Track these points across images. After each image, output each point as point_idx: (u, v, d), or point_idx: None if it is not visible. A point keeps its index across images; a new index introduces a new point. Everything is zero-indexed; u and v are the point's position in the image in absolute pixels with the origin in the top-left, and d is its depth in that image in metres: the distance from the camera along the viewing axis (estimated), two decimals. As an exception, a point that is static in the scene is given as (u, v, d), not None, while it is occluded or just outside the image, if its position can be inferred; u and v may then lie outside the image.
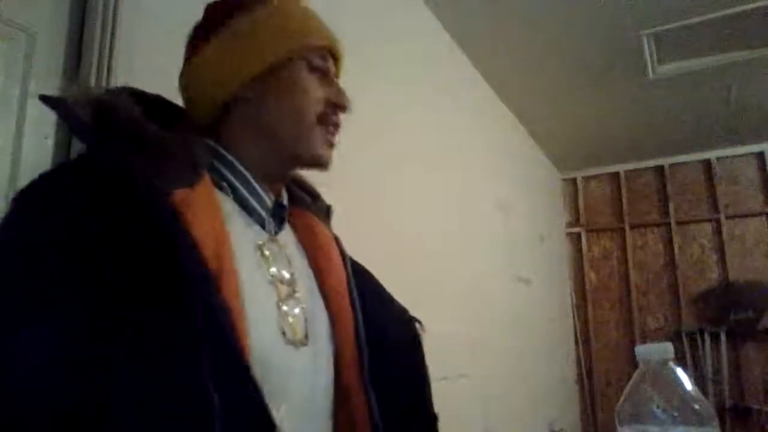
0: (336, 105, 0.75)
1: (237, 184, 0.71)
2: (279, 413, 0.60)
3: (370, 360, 0.72)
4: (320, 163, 0.75)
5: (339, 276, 0.78)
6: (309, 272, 0.77)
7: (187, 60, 0.74)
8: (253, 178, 0.72)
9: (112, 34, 1.07)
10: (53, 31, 1.04)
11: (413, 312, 0.86)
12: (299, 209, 0.81)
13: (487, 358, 2.57)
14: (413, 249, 2.05)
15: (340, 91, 0.76)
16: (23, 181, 0.61)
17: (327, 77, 0.75)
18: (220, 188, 0.70)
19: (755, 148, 4.06)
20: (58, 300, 0.51)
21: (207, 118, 0.73)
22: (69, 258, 0.52)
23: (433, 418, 0.80)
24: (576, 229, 4.53)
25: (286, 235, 0.76)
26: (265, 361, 0.61)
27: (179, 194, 0.58)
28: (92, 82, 1.05)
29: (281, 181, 0.77)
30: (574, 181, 4.60)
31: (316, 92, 0.73)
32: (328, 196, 0.89)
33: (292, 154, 0.73)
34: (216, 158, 0.71)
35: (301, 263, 0.76)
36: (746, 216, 4.03)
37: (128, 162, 0.57)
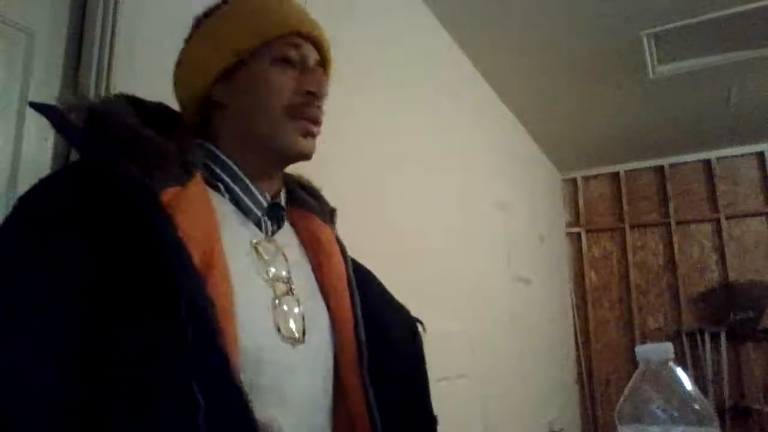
0: (308, 93, 0.72)
1: (232, 184, 0.71)
2: (273, 411, 0.61)
3: (370, 358, 0.72)
4: (300, 156, 0.73)
5: (339, 276, 0.78)
6: (309, 272, 0.77)
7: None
8: (247, 178, 0.72)
9: (112, 34, 1.07)
10: (53, 31, 1.04)
11: (413, 312, 0.86)
12: (302, 211, 0.82)
13: (487, 358, 2.57)
14: (413, 249, 2.05)
15: (312, 77, 0.72)
16: (23, 182, 0.62)
17: (299, 65, 0.73)
18: (216, 188, 0.70)
19: (755, 148, 4.06)
20: (49, 303, 0.52)
21: (195, 120, 0.74)
22: (60, 262, 0.53)
23: (432, 419, 0.80)
24: (576, 229, 4.53)
25: (286, 235, 0.76)
26: (259, 359, 0.61)
27: (169, 193, 0.59)
28: (92, 82, 1.05)
29: (275, 180, 0.76)
30: (574, 181, 4.60)
31: (283, 83, 0.71)
32: (327, 196, 0.89)
33: (268, 150, 0.72)
34: (210, 159, 0.72)
35: (300, 263, 0.76)
36: (746, 216, 4.03)
37: (118, 164, 0.58)
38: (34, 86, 0.99)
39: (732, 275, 3.96)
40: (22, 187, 0.62)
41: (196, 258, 0.56)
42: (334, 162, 1.64)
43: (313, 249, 0.79)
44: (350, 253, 0.84)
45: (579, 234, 4.52)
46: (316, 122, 0.73)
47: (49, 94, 0.99)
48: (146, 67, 1.08)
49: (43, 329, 0.51)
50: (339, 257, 0.80)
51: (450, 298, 2.31)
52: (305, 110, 0.72)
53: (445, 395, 1.95)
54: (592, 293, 4.38)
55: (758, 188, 4.05)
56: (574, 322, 4.32)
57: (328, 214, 0.86)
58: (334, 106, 1.76)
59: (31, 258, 0.54)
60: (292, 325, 0.67)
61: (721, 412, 3.68)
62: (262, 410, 0.59)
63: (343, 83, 1.75)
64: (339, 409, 0.71)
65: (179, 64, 0.75)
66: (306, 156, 0.74)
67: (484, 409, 2.47)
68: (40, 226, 0.56)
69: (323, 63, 0.77)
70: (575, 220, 4.56)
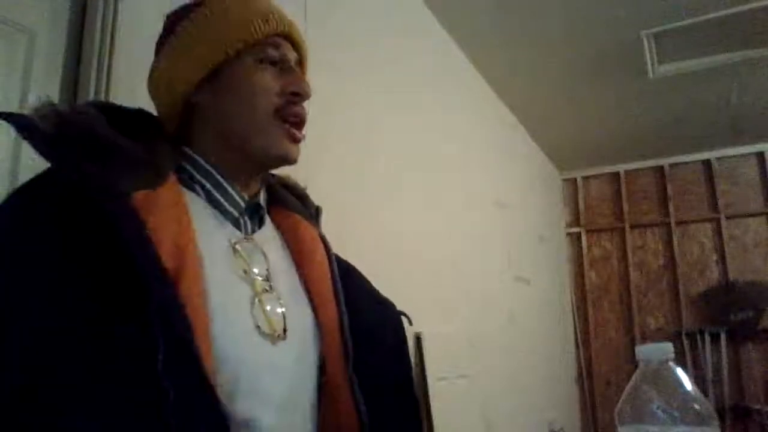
0: (293, 94, 0.72)
1: (208, 185, 0.71)
2: (253, 410, 0.61)
3: (355, 358, 0.72)
4: (284, 161, 0.73)
5: (323, 275, 0.78)
6: (292, 271, 0.77)
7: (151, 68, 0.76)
8: (224, 179, 0.72)
9: (112, 34, 1.07)
10: (53, 31, 1.04)
11: (413, 312, 0.86)
12: (285, 211, 0.82)
13: (486, 359, 2.57)
14: (413, 249, 2.05)
15: (296, 78, 0.73)
16: (23, 181, 0.62)
17: (282, 66, 0.73)
18: (193, 190, 0.71)
19: (755, 148, 4.06)
20: (19, 311, 0.52)
21: (174, 124, 0.74)
22: (31, 271, 0.54)
23: (417, 414, 0.81)
24: (576, 229, 4.53)
25: (266, 234, 0.76)
26: (237, 358, 0.61)
27: (140, 196, 0.59)
28: (92, 82, 1.05)
29: (255, 180, 0.76)
30: (574, 181, 4.60)
31: (268, 85, 0.71)
32: (325, 198, 0.89)
33: (252, 154, 0.72)
34: (187, 161, 0.72)
35: (283, 262, 0.76)
36: (746, 216, 4.03)
37: (87, 171, 0.57)
38: (34, 86, 0.99)
39: (732, 275, 3.95)
40: (22, 187, 0.61)
41: (167, 260, 0.57)
42: (333, 162, 1.64)
43: (297, 249, 0.79)
44: (348, 253, 0.84)
45: (579, 234, 4.52)
46: (302, 123, 0.73)
47: (43, 100, 0.99)
48: (146, 67, 1.08)
49: (8, 338, 0.52)
50: (322, 256, 0.79)
51: (450, 298, 2.31)
52: (293, 111, 0.72)
53: (445, 395, 1.95)
54: (592, 293, 4.38)
55: (758, 188, 4.05)
56: (574, 322, 4.32)
57: (313, 214, 0.86)
58: (331, 106, 1.76)
59: (4, 269, 0.55)
60: (272, 322, 0.67)
61: (721, 412, 3.68)
62: (241, 409, 0.60)
63: (343, 84, 1.75)
64: (325, 409, 0.72)
65: (156, 70, 0.75)
66: (291, 161, 0.73)
67: (484, 408, 2.47)
68: (9, 238, 0.56)
69: (300, 63, 0.77)
70: (575, 220, 4.56)
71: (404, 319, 0.85)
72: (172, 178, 0.66)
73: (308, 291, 0.76)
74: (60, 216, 0.56)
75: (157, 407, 0.50)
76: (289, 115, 0.71)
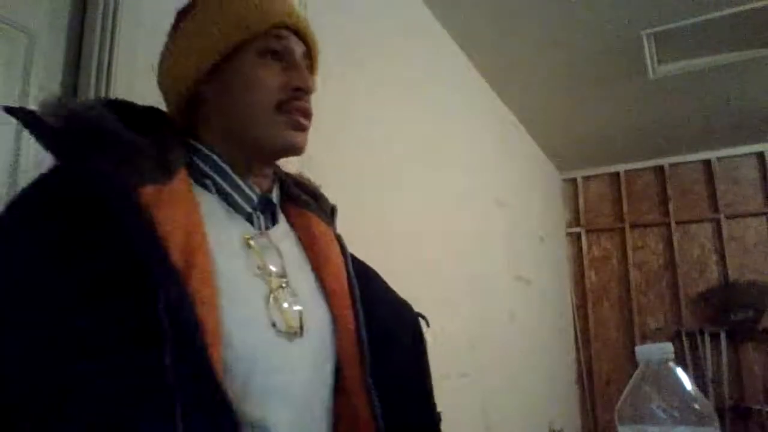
0: (296, 89, 0.71)
1: (218, 179, 0.70)
2: (268, 409, 0.60)
3: (372, 360, 0.71)
4: (290, 150, 0.72)
5: (339, 275, 0.76)
6: (308, 271, 0.76)
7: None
8: (235, 174, 0.71)
9: (112, 34, 1.07)
10: (53, 31, 1.04)
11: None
12: (299, 209, 0.81)
13: (487, 358, 2.57)
14: (413, 249, 2.05)
15: (300, 73, 0.71)
16: (22, 182, 0.62)
17: (287, 59, 0.72)
18: (204, 185, 0.70)
19: (755, 148, 4.06)
20: (28, 304, 0.53)
21: (181, 117, 0.74)
22: (40, 266, 0.55)
23: (435, 418, 0.79)
24: (576, 229, 4.53)
25: (281, 232, 0.75)
26: (251, 355, 0.60)
27: (148, 191, 0.58)
28: (92, 82, 1.05)
29: (265, 176, 0.75)
30: (574, 181, 4.60)
31: (270, 80, 0.70)
32: (326, 195, 0.88)
33: (257, 147, 0.71)
34: (197, 156, 0.71)
35: (299, 261, 0.75)
36: (746, 216, 4.03)
37: (95, 166, 0.57)
38: (34, 86, 0.99)
39: (732, 275, 3.95)
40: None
41: (176, 255, 0.56)
42: (333, 161, 1.64)
43: (312, 248, 0.78)
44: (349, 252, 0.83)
45: (579, 234, 4.52)
46: (306, 115, 0.72)
47: (50, 95, 0.99)
48: (146, 67, 1.08)
49: (17, 329, 0.53)
50: (338, 256, 0.78)
51: (450, 298, 2.31)
52: (294, 105, 0.71)
53: (445, 394, 1.94)
54: (592, 293, 4.38)
55: (758, 188, 4.04)
56: (574, 322, 4.32)
57: (328, 212, 0.85)
58: (333, 105, 1.76)
59: (15, 263, 0.56)
60: (289, 319, 0.66)
61: (721, 412, 3.68)
62: (255, 408, 0.59)
63: (342, 83, 1.75)
64: (342, 412, 0.70)
65: (163, 62, 0.75)
66: (296, 149, 0.72)
67: (485, 408, 2.47)
68: (23, 232, 0.57)
69: (309, 55, 0.76)
70: (575, 220, 4.55)
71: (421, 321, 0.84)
72: (182, 173, 0.65)
73: (324, 289, 0.75)
74: (68, 213, 0.56)
75: (165, 411, 0.49)
76: (292, 110, 0.70)
